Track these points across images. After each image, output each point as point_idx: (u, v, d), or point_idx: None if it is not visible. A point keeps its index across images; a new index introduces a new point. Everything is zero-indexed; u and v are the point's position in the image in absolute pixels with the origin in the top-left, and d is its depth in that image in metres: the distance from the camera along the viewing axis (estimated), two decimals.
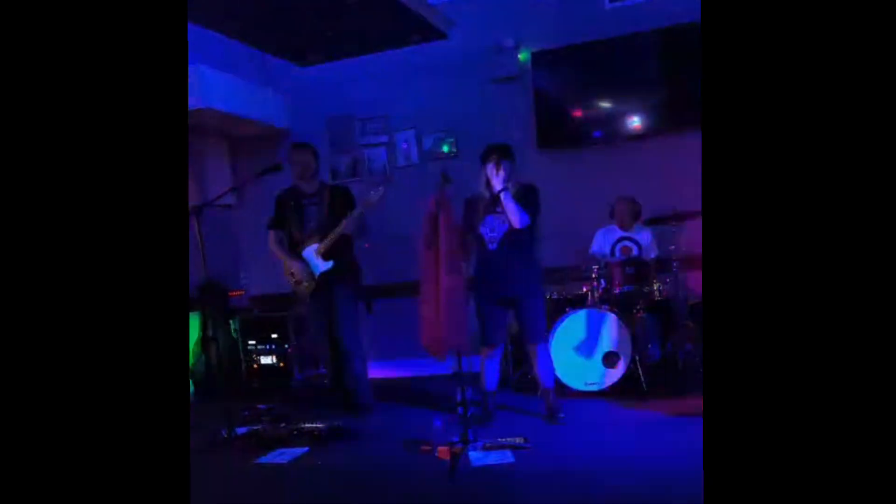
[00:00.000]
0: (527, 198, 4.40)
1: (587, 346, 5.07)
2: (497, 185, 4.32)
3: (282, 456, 4.26)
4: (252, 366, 6.25)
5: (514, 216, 4.30)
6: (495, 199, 4.36)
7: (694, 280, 5.81)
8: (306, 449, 4.36)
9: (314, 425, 4.61)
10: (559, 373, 5.03)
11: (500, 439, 4.06)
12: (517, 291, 4.44)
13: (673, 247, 5.54)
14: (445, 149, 6.68)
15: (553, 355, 4.96)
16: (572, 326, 5.11)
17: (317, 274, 4.94)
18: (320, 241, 4.89)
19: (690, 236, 5.65)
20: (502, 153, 4.40)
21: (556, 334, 5.09)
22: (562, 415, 4.50)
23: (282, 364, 6.12)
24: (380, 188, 4.80)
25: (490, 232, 4.44)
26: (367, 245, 5.12)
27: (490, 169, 4.36)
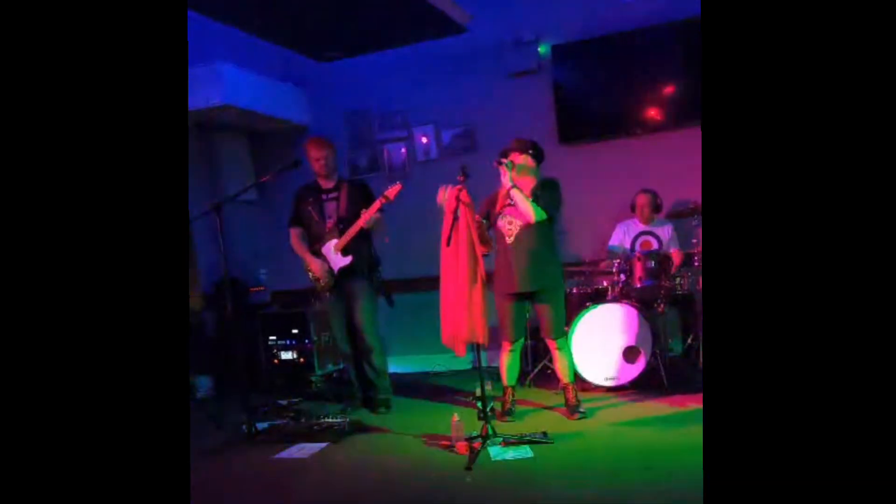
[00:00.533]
0: (543, 192, 4.38)
1: (608, 341, 5.03)
2: (506, 181, 4.32)
3: (302, 451, 4.27)
4: (272, 361, 6.27)
5: (524, 212, 4.30)
6: (509, 194, 4.37)
7: None
8: (326, 444, 4.37)
9: (334, 420, 4.63)
10: (579, 368, 5.01)
11: (519, 434, 4.05)
12: (535, 286, 4.42)
13: (694, 241, 5.48)
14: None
15: (573, 350, 4.94)
16: (593, 321, 5.08)
17: (336, 269, 4.94)
18: (339, 236, 4.90)
19: None
20: (517, 149, 4.42)
21: (576, 329, 5.06)
22: (582, 409, 4.48)
23: (302, 360, 6.14)
24: (397, 183, 4.80)
25: (507, 226, 4.43)
26: (387, 240, 5.11)
27: (506, 164, 4.37)
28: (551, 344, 4.57)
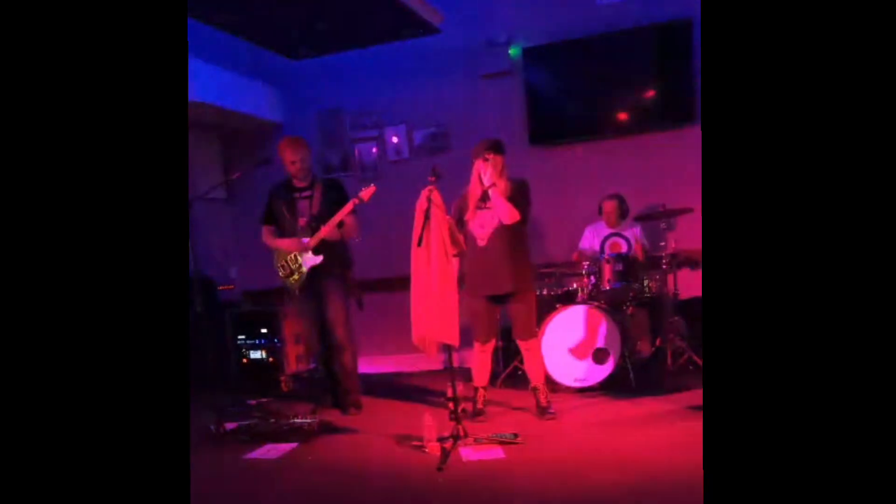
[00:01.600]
0: (518, 193, 4.40)
1: (577, 343, 5.08)
2: (486, 180, 4.32)
3: (271, 451, 4.25)
4: (241, 360, 6.23)
5: (503, 212, 4.31)
6: (485, 195, 4.37)
7: (683, 277, 5.84)
8: (296, 444, 4.35)
9: (304, 420, 4.61)
10: (549, 369, 5.05)
11: (490, 435, 4.07)
12: (507, 288, 4.44)
13: (662, 243, 5.55)
14: None
15: (543, 352, 4.98)
16: (562, 323, 5.12)
17: (307, 268, 4.93)
18: (311, 235, 4.88)
19: (679, 233, 5.68)
20: (492, 148, 4.41)
21: (546, 331, 5.10)
22: (552, 411, 4.51)
23: (271, 359, 6.11)
24: (371, 184, 4.80)
25: (480, 228, 4.44)
26: (358, 239, 5.10)
27: (479, 164, 4.37)
28: (523, 345, 4.60)
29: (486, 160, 4.34)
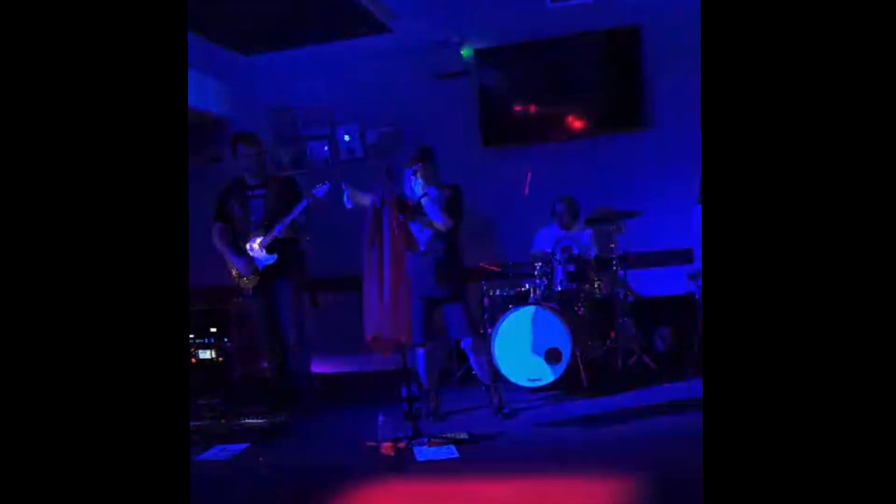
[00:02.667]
0: (451, 201, 4.43)
1: (530, 343, 5.12)
2: (417, 191, 4.34)
3: (222, 453, 4.19)
4: (190, 360, 6.12)
5: (437, 221, 4.34)
6: (418, 204, 4.38)
7: (633, 278, 5.93)
8: (248, 445, 4.30)
9: (256, 421, 4.56)
10: (503, 369, 5.08)
11: (445, 434, 4.08)
12: (442, 292, 4.48)
13: (613, 245, 5.63)
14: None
15: (497, 352, 5.02)
16: (515, 323, 5.15)
17: (261, 268, 4.87)
18: (265, 234, 4.83)
19: (629, 235, 5.77)
20: (420, 158, 4.42)
21: (499, 331, 5.13)
22: (506, 410, 4.54)
23: (221, 359, 6.02)
24: (326, 183, 4.77)
25: (417, 233, 4.45)
26: (308, 238, 5.07)
27: (409, 175, 4.38)
28: (464, 345, 4.60)
29: (415, 173, 4.35)
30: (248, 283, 4.93)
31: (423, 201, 4.32)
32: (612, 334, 5.69)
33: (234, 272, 4.96)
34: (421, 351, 4.61)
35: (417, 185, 4.34)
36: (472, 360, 4.66)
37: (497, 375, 4.80)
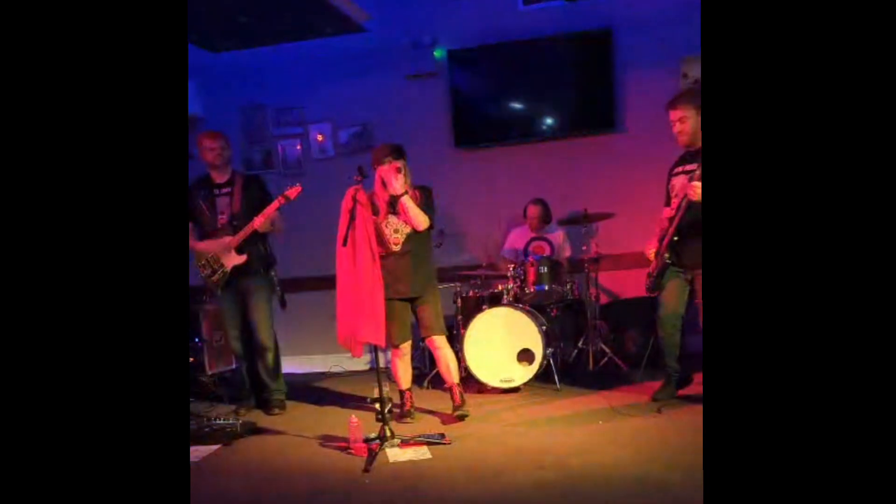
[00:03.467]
0: (427, 201, 4.43)
1: (502, 344, 5.13)
2: (397, 188, 4.31)
3: (193, 454, 4.14)
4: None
5: (416, 221, 4.32)
6: (394, 202, 4.35)
7: (605, 280, 5.97)
8: (218, 446, 4.26)
9: (226, 422, 4.51)
10: (475, 369, 5.09)
11: (417, 435, 4.07)
12: (418, 290, 4.48)
13: (585, 247, 5.66)
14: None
15: (469, 353, 5.02)
16: (488, 324, 5.16)
17: (229, 268, 4.82)
18: (232, 233, 4.78)
19: (601, 237, 5.80)
20: (396, 154, 4.36)
21: (472, 331, 5.13)
22: (465, 411, 4.53)
23: (191, 359, 5.95)
24: (298, 184, 4.73)
25: (394, 233, 4.43)
26: (280, 240, 5.04)
27: (384, 171, 4.33)
28: (431, 343, 4.58)
29: (398, 170, 4.32)
30: (216, 282, 4.87)
31: (404, 200, 4.30)
32: (584, 336, 5.71)
33: (202, 271, 4.90)
34: (393, 353, 4.60)
35: (397, 184, 4.29)
36: (438, 359, 4.64)
37: (461, 376, 4.76)
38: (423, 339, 4.71)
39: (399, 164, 4.34)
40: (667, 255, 4.32)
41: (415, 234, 4.41)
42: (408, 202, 4.30)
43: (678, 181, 4.29)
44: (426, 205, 4.41)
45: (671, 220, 4.26)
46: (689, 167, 4.17)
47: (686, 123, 4.17)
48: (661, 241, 4.37)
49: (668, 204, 4.41)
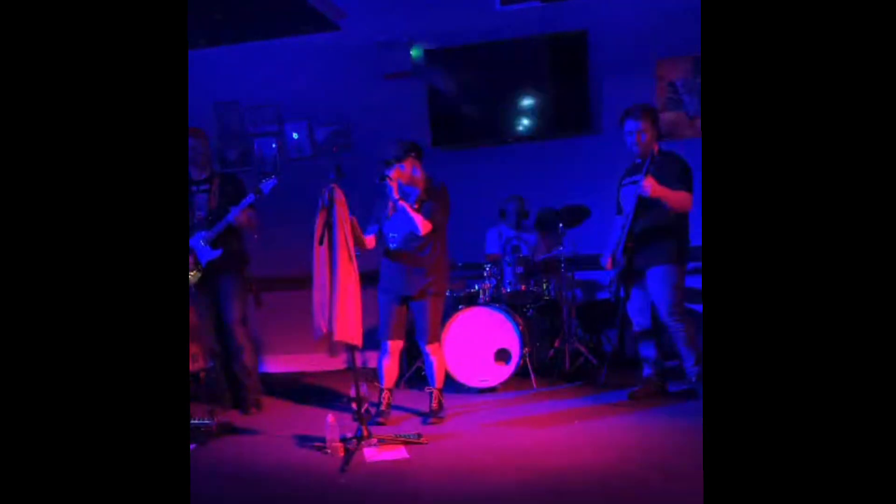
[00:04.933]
0: (433, 202, 4.41)
1: (480, 344, 5.14)
2: (393, 194, 4.31)
3: None
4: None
5: (416, 225, 4.31)
6: (394, 207, 4.36)
7: (580, 280, 6.00)
8: (194, 446, 4.22)
9: (202, 421, 4.47)
10: (453, 370, 5.10)
11: (394, 435, 4.07)
12: (415, 290, 4.46)
13: (561, 248, 5.68)
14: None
15: (447, 353, 5.02)
16: (465, 324, 5.17)
17: (204, 263, 4.79)
18: (208, 229, 4.75)
19: (577, 237, 5.83)
20: (401, 156, 4.36)
21: (449, 332, 5.14)
22: (442, 415, 4.54)
23: None
24: (273, 179, 4.71)
25: (393, 230, 4.43)
26: (256, 236, 5.00)
27: (393, 174, 4.33)
28: (426, 348, 4.59)
29: (383, 178, 4.31)
30: (191, 279, 4.84)
31: (399, 206, 4.30)
32: (560, 335, 5.74)
33: None
34: (385, 349, 4.57)
35: (392, 189, 4.30)
36: (428, 363, 4.63)
37: (444, 381, 4.76)
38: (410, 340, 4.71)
39: (401, 165, 4.35)
40: (623, 262, 4.56)
41: (414, 235, 4.39)
42: (404, 209, 4.30)
43: (628, 191, 4.58)
44: (431, 209, 4.39)
45: (623, 227, 4.54)
46: (637, 177, 4.44)
47: (647, 135, 4.49)
48: (615, 248, 4.65)
49: (619, 213, 4.73)
